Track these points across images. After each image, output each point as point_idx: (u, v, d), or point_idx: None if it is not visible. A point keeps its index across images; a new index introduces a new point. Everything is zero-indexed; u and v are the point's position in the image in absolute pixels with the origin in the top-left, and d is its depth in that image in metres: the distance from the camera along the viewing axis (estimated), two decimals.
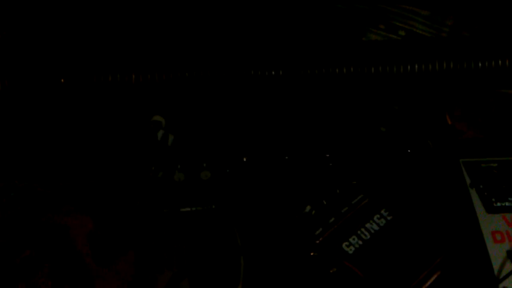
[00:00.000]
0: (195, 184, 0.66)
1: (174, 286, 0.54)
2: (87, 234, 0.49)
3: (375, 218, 0.63)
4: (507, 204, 0.63)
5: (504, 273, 0.58)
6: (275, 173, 0.70)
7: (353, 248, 0.60)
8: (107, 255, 0.51)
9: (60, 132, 0.71)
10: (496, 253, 0.60)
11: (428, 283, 0.59)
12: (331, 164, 0.71)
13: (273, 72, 0.72)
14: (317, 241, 0.62)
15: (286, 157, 0.72)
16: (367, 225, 0.62)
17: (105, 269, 0.49)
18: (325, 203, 0.65)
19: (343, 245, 0.61)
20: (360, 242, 0.61)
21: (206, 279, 0.56)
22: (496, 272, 0.58)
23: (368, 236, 0.61)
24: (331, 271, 0.61)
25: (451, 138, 0.72)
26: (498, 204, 0.63)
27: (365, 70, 0.71)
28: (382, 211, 0.63)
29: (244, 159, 0.72)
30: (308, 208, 0.65)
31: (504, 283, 0.57)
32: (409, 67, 0.71)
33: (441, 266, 0.59)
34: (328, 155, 0.72)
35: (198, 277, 0.56)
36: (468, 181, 0.66)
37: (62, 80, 0.68)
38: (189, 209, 0.64)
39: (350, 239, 0.61)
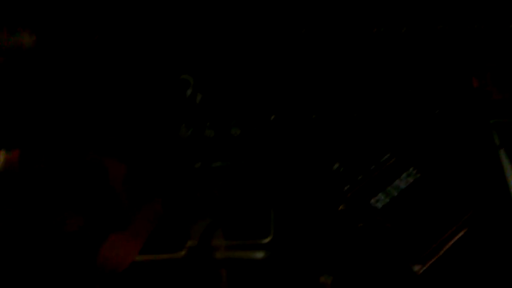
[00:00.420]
0: (226, 140, 0.67)
1: (208, 235, 0.55)
2: (123, 178, 0.51)
3: (403, 176, 0.63)
4: None
5: None
6: (304, 131, 0.71)
7: (381, 204, 0.61)
8: (139, 198, 0.53)
9: (94, 90, 0.72)
10: None
11: (455, 238, 0.60)
12: (359, 123, 0.72)
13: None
14: (346, 197, 0.63)
15: (314, 116, 0.73)
16: (396, 182, 0.63)
17: (136, 210, 0.51)
18: (354, 160, 0.65)
19: (372, 201, 0.61)
20: (388, 199, 0.61)
21: (238, 230, 0.57)
22: None
23: (396, 193, 0.62)
24: (359, 225, 0.62)
25: (481, 100, 0.72)
26: None
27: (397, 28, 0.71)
28: (411, 169, 0.64)
29: (272, 117, 0.72)
30: (336, 165, 0.66)
31: None
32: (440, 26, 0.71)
33: (468, 223, 0.60)
34: (356, 115, 0.73)
35: (231, 228, 0.57)
36: (497, 141, 0.66)
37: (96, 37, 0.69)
38: (220, 163, 0.65)
39: (379, 195, 0.62)
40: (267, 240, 0.58)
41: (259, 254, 0.59)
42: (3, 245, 0.48)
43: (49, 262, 0.46)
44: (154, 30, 0.74)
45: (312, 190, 0.64)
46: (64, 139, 0.67)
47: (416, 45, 0.75)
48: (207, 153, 0.66)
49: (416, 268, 0.59)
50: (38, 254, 0.46)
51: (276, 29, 0.73)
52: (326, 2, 0.74)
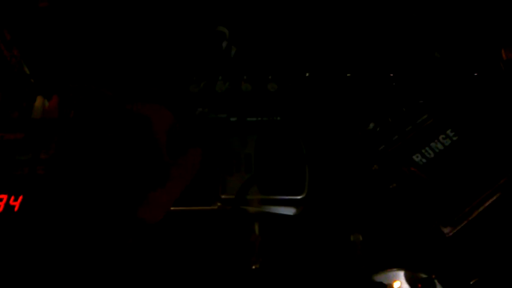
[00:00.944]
0: (262, 95, 0.67)
1: (245, 189, 0.56)
2: (166, 129, 0.51)
3: (440, 137, 0.63)
4: None
5: None
6: (338, 90, 0.70)
7: (417, 165, 0.61)
8: (180, 148, 0.53)
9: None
10: None
11: (489, 202, 0.60)
12: (394, 84, 0.71)
13: None
14: (380, 157, 0.63)
15: (349, 75, 0.72)
16: (432, 144, 0.62)
17: (177, 160, 0.52)
18: (390, 120, 0.65)
19: (407, 162, 0.61)
20: (424, 160, 0.61)
21: (273, 185, 0.58)
22: None
23: (432, 155, 0.62)
24: (391, 186, 0.62)
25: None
26: None
27: None
28: (448, 131, 0.63)
29: (307, 74, 0.72)
30: (372, 125, 0.66)
31: None
32: None
33: (503, 188, 0.60)
34: (392, 75, 0.72)
35: (266, 182, 0.58)
36: None
37: None
38: (255, 119, 0.66)
39: (414, 157, 0.62)
40: (301, 196, 0.59)
41: (293, 210, 0.60)
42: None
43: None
44: None
45: (347, 148, 0.64)
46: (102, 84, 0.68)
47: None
48: (244, 108, 0.66)
49: (447, 230, 0.60)
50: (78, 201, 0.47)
51: None
52: None
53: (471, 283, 0.58)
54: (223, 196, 0.58)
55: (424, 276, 0.54)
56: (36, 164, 0.57)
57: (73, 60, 0.72)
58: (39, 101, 0.67)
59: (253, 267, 0.56)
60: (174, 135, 0.52)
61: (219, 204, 0.58)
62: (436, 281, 0.53)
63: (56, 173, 0.49)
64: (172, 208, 0.58)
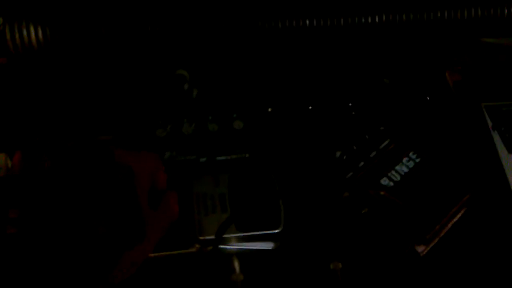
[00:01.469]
0: (229, 134, 0.68)
1: (224, 230, 0.57)
2: (149, 176, 0.50)
3: (404, 160, 0.65)
4: None
5: None
6: (302, 123, 0.72)
7: (385, 189, 0.63)
8: (157, 197, 0.52)
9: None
10: None
11: (456, 218, 0.63)
12: (353, 113, 0.74)
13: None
14: (349, 183, 0.65)
15: (310, 107, 0.74)
16: (397, 167, 0.65)
17: (154, 211, 0.51)
18: (354, 148, 0.67)
19: (375, 187, 0.64)
20: (392, 184, 0.64)
21: (250, 222, 0.59)
22: None
23: (399, 178, 0.64)
24: (363, 212, 0.64)
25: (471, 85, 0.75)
26: None
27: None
28: (410, 154, 0.66)
29: (269, 110, 0.74)
30: (338, 153, 0.68)
31: None
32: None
33: (467, 203, 0.63)
34: (350, 104, 0.75)
35: (243, 220, 0.59)
36: (490, 123, 0.69)
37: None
38: (224, 157, 0.66)
39: (382, 181, 0.64)
40: (278, 230, 0.59)
41: (271, 244, 0.60)
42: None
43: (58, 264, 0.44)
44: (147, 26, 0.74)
45: (317, 178, 0.66)
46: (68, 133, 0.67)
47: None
48: (212, 148, 0.67)
49: (420, 249, 0.62)
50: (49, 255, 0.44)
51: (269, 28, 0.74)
52: None
53: None
54: (201, 238, 0.58)
55: None
56: (5, 223, 0.55)
57: (33, 113, 0.71)
58: (1, 158, 0.65)
59: None
60: (156, 180, 0.52)
61: (197, 246, 0.58)
62: None
63: (26, 232, 0.47)
64: (150, 255, 0.57)
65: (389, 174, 0.65)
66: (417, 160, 0.65)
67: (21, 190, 0.56)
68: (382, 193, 0.62)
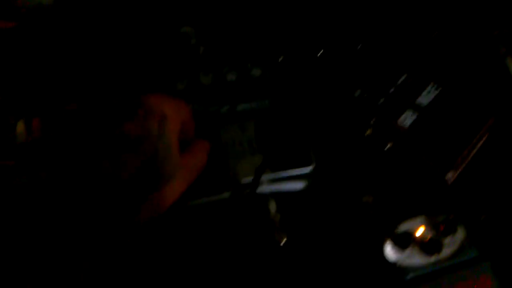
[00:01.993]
0: (248, 82, 0.68)
1: (260, 172, 0.57)
2: (181, 124, 0.50)
3: (424, 93, 0.66)
4: None
5: None
6: (316, 66, 0.72)
7: (408, 122, 0.64)
8: (187, 143, 0.52)
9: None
10: None
11: (480, 143, 0.64)
12: (366, 54, 0.74)
13: None
14: (371, 121, 0.66)
15: (321, 51, 0.74)
16: (418, 100, 0.66)
17: (185, 158, 0.50)
18: (374, 85, 0.68)
19: (398, 121, 0.64)
20: (414, 116, 0.64)
21: (282, 162, 0.59)
22: None
23: (421, 110, 0.65)
24: (387, 147, 0.65)
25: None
26: None
27: None
28: (430, 86, 0.67)
29: (280, 59, 0.74)
30: (358, 92, 0.68)
31: None
32: None
33: (491, 129, 0.64)
34: (360, 46, 0.75)
35: (276, 162, 0.59)
36: (502, 51, 0.70)
37: None
38: (246, 106, 0.66)
39: (404, 115, 0.65)
40: (310, 167, 0.60)
41: (304, 183, 0.61)
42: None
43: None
44: None
45: (340, 118, 0.67)
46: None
47: None
48: (233, 97, 0.67)
49: (449, 176, 0.63)
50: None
51: None
52: None
53: (481, 219, 0.61)
54: (237, 182, 0.58)
55: (442, 218, 0.56)
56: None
57: (44, 78, 0.70)
58: (20, 126, 0.65)
59: (281, 243, 0.56)
60: (186, 127, 0.52)
61: (232, 190, 0.58)
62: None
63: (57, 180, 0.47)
64: (188, 203, 0.58)
65: (411, 108, 0.65)
66: (437, 91, 0.66)
67: (47, 152, 0.55)
68: (405, 127, 0.63)
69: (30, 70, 0.69)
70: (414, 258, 0.54)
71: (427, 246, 0.55)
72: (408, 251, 0.55)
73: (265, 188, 0.59)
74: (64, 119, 0.54)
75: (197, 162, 0.52)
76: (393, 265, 0.55)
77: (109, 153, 0.44)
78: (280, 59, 0.73)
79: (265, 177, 0.59)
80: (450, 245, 0.55)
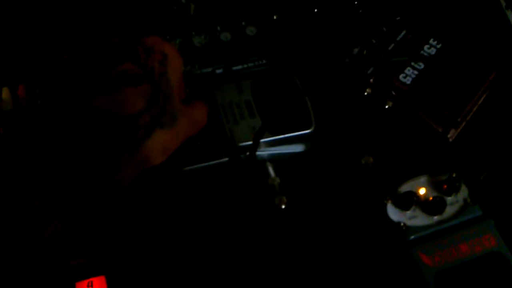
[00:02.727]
0: (244, 41, 0.65)
1: (260, 135, 0.55)
2: (180, 70, 0.48)
3: (425, 48, 0.64)
4: None
5: None
6: (312, 25, 0.70)
7: (410, 79, 0.62)
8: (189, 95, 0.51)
9: None
10: None
11: (481, 101, 0.63)
12: (360, 11, 0.71)
13: None
14: (371, 80, 0.64)
15: (316, 10, 0.72)
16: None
17: (185, 107, 0.49)
18: (373, 42, 0.66)
19: (400, 77, 0.63)
20: (416, 72, 0.63)
21: (282, 124, 0.58)
22: None
23: (422, 66, 0.63)
24: (387, 106, 0.64)
25: None
26: None
27: None
28: (431, 41, 0.65)
29: (275, 17, 0.71)
30: (356, 50, 0.66)
31: None
32: None
33: (491, 85, 0.63)
34: (356, 2, 0.72)
35: (275, 125, 0.57)
36: (503, 3, 0.68)
37: None
38: (241, 66, 0.64)
39: (405, 71, 0.63)
40: (310, 129, 0.58)
41: (303, 145, 0.60)
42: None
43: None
44: None
45: (338, 77, 0.65)
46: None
47: None
48: (228, 57, 0.64)
49: (450, 134, 0.62)
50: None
51: None
52: None
53: (482, 178, 0.60)
54: (236, 145, 0.56)
55: (445, 177, 0.56)
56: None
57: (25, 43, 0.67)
58: (6, 92, 0.62)
59: (282, 207, 0.55)
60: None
61: (231, 154, 0.57)
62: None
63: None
64: (185, 169, 0.56)
65: (412, 63, 0.64)
66: (438, 46, 0.64)
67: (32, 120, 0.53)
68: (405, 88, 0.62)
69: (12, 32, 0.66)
70: (417, 219, 0.54)
71: (430, 206, 0.54)
72: (410, 211, 0.54)
73: (264, 151, 0.58)
74: (60, 68, 0.52)
75: (198, 116, 0.51)
76: (395, 226, 0.54)
77: (107, 90, 0.43)
78: (275, 16, 0.71)
79: (265, 139, 0.57)
80: (453, 204, 0.55)
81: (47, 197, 0.42)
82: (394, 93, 0.63)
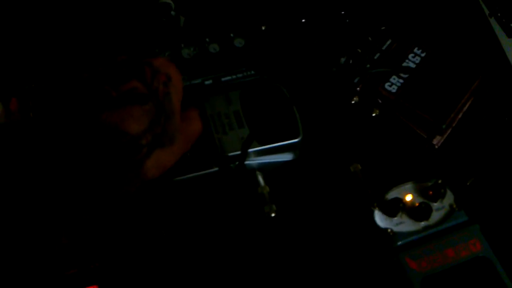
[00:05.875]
0: (232, 53, 0.66)
1: (248, 144, 0.56)
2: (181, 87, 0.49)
3: (409, 57, 0.66)
4: None
5: None
6: (300, 35, 0.71)
7: (395, 87, 0.64)
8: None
9: None
10: None
11: (466, 108, 0.64)
12: (347, 20, 0.73)
13: None
14: (358, 88, 0.65)
15: (303, 20, 0.73)
16: (404, 65, 0.65)
17: (182, 123, 0.49)
18: (359, 51, 0.67)
19: (385, 86, 0.64)
20: (401, 80, 0.64)
21: (270, 134, 0.59)
22: None
23: (407, 74, 0.64)
24: (374, 114, 0.65)
25: None
26: None
27: None
28: (415, 49, 0.66)
29: (263, 28, 0.72)
30: (343, 59, 0.67)
31: None
32: None
33: (475, 92, 0.64)
34: (343, 12, 0.73)
35: (263, 133, 0.58)
36: (486, 11, 0.70)
37: None
38: (230, 77, 0.65)
39: (391, 79, 0.64)
40: (298, 139, 0.59)
41: (292, 154, 0.61)
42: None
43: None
44: None
45: (326, 86, 0.66)
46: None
47: None
48: (216, 68, 0.65)
49: (436, 141, 0.63)
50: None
51: None
52: None
53: (468, 183, 0.62)
54: (225, 155, 0.57)
55: (431, 183, 0.57)
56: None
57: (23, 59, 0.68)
58: None
59: (272, 215, 0.56)
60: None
61: (220, 164, 0.58)
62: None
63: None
64: (176, 179, 0.57)
65: (396, 74, 0.65)
66: (423, 55, 0.66)
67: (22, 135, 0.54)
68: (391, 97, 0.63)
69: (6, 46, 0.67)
70: (403, 225, 0.55)
71: (416, 212, 0.55)
72: (397, 218, 0.55)
73: (253, 160, 0.59)
74: (64, 84, 0.52)
75: (194, 130, 0.52)
76: (383, 232, 0.55)
77: (114, 106, 0.44)
78: (263, 27, 0.72)
79: (254, 149, 0.58)
80: (439, 210, 0.56)
81: (50, 213, 0.42)
82: (380, 101, 0.64)
